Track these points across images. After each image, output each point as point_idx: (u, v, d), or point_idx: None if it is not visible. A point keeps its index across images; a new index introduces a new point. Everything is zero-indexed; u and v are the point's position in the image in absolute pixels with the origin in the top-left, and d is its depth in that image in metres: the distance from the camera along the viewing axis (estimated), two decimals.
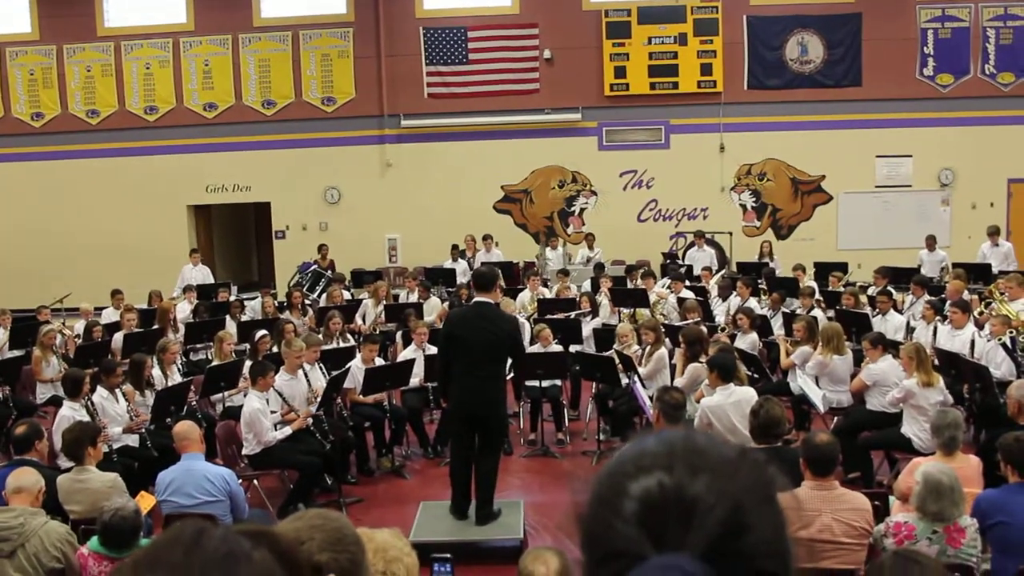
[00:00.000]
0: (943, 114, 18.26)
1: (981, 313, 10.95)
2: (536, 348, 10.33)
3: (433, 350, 9.36)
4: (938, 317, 10.41)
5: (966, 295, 11.39)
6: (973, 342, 9.50)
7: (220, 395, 9.57)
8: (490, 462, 7.44)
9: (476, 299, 7.52)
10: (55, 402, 9.95)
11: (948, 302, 10.64)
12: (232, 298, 14.17)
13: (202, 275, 16.63)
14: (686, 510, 0.96)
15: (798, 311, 11.69)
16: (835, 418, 9.02)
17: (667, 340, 10.04)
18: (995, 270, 13.97)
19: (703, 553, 0.94)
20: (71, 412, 7.79)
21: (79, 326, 12.78)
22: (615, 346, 9.96)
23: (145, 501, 6.05)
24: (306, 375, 8.88)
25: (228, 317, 12.84)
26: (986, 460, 5.93)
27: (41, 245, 18.97)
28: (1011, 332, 9.30)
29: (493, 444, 7.46)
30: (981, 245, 15.91)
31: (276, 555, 1.06)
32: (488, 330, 7.15)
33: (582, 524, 1.04)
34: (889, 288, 12.20)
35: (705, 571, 0.92)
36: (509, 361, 7.65)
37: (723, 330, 11.29)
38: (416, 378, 9.62)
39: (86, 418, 7.53)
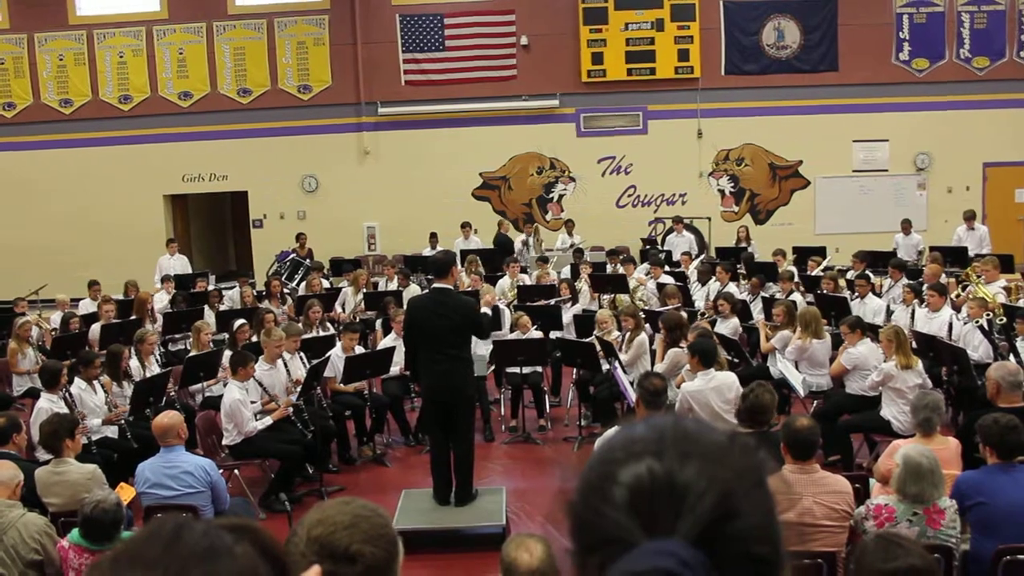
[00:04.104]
0: (919, 99, 18.34)
1: (958, 296, 11.04)
2: (516, 335, 10.32)
3: None
4: (916, 300, 10.48)
5: (943, 278, 11.47)
6: (951, 325, 9.58)
7: (199, 385, 9.52)
8: (464, 444, 7.49)
9: (434, 285, 7.60)
10: (32, 394, 9.87)
11: (926, 285, 10.70)
12: (210, 288, 14.08)
13: (180, 265, 16.51)
14: (677, 496, 0.96)
15: (777, 295, 11.73)
16: (815, 402, 9.07)
17: (647, 326, 10.06)
18: (971, 253, 14.07)
19: (695, 539, 0.93)
20: (49, 404, 7.72)
21: (56, 317, 12.68)
22: (595, 332, 9.96)
23: (125, 493, 6.02)
24: (285, 364, 8.84)
25: (206, 307, 12.77)
26: (965, 442, 5.97)
27: (15, 236, 18.75)
28: (988, 315, 9.37)
29: (465, 425, 7.50)
30: (956, 228, 16.04)
31: (258, 549, 1.05)
32: (447, 315, 7.23)
33: (571, 512, 1.03)
34: (867, 272, 12.27)
35: (697, 556, 0.92)
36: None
37: (703, 315, 11.31)
38: (396, 366, 9.60)
39: (64, 410, 7.47)
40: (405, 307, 8.47)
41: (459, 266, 13.42)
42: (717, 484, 0.96)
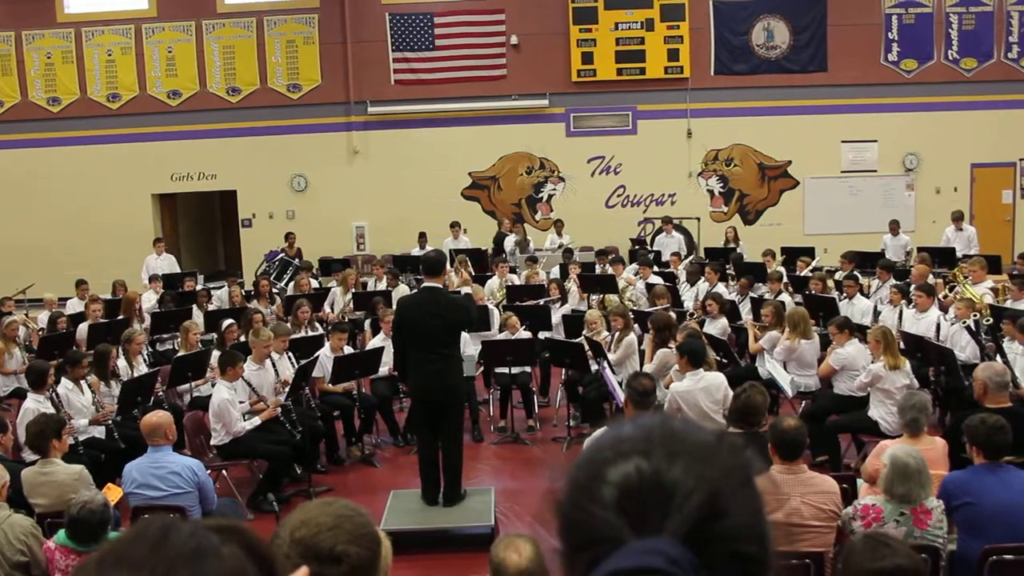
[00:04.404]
0: (907, 99, 18.42)
1: (946, 296, 11.08)
2: (504, 335, 10.32)
3: None
4: (904, 301, 10.51)
5: (931, 279, 11.51)
6: (938, 325, 9.61)
7: (187, 385, 9.49)
8: (453, 444, 7.48)
9: (425, 284, 7.56)
10: (19, 394, 9.82)
11: (913, 286, 10.74)
12: (199, 287, 14.04)
13: (167, 265, 16.44)
14: (665, 495, 0.96)
15: (766, 296, 11.75)
16: (803, 402, 9.09)
17: (636, 326, 10.07)
18: (959, 254, 14.12)
19: (683, 537, 0.93)
20: (35, 404, 7.68)
21: (43, 317, 12.62)
22: (584, 332, 9.97)
23: (112, 493, 5.99)
24: (274, 364, 8.82)
25: (195, 307, 12.72)
26: (952, 442, 5.99)
27: (2, 236, 18.65)
28: (975, 315, 9.40)
29: (454, 426, 7.50)
30: (945, 229, 16.10)
31: (246, 549, 1.04)
32: (439, 315, 7.20)
33: (560, 511, 1.03)
34: (855, 272, 12.30)
35: (685, 555, 0.92)
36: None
37: (692, 315, 11.32)
38: (385, 366, 9.58)
39: (51, 410, 7.43)
40: (395, 307, 8.45)
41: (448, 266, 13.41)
42: (705, 483, 0.96)
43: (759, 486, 1.03)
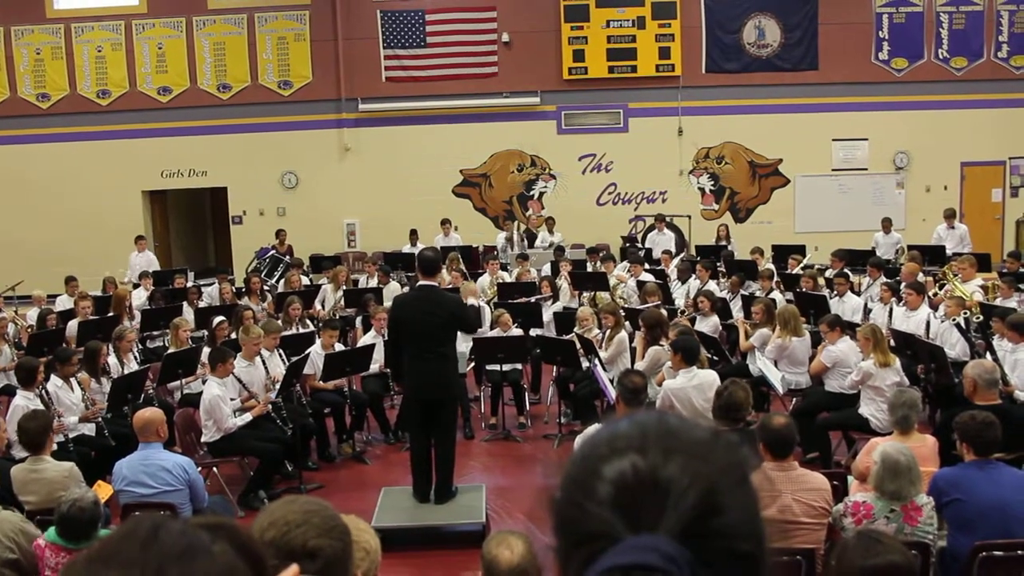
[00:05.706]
0: (898, 98, 18.46)
1: (935, 294, 11.11)
2: (496, 332, 10.32)
3: None
4: (894, 298, 10.54)
5: (921, 277, 11.54)
6: (928, 323, 9.63)
7: (178, 382, 9.46)
8: (447, 443, 7.49)
9: (420, 283, 7.57)
10: (8, 392, 9.78)
11: (903, 284, 10.76)
12: (189, 284, 14.02)
13: (144, 262, 16.32)
14: (660, 492, 0.96)
15: (757, 294, 11.77)
16: (794, 399, 9.11)
17: (627, 323, 10.07)
18: (949, 252, 14.17)
19: (678, 535, 0.93)
20: (25, 402, 7.65)
21: (32, 314, 12.57)
22: (576, 330, 9.97)
23: (102, 490, 5.96)
24: (264, 361, 8.80)
25: (185, 304, 12.69)
26: (942, 439, 6.01)
27: None
28: (965, 313, 9.44)
29: (448, 425, 7.51)
30: (936, 227, 16.13)
31: (236, 547, 1.04)
32: (433, 312, 7.21)
33: (555, 508, 1.03)
34: (846, 270, 12.33)
35: (681, 552, 0.91)
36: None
37: (683, 313, 11.33)
38: (376, 364, 9.58)
39: (40, 407, 7.40)
40: (390, 305, 8.43)
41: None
42: (700, 480, 0.96)
43: (755, 483, 1.03)
